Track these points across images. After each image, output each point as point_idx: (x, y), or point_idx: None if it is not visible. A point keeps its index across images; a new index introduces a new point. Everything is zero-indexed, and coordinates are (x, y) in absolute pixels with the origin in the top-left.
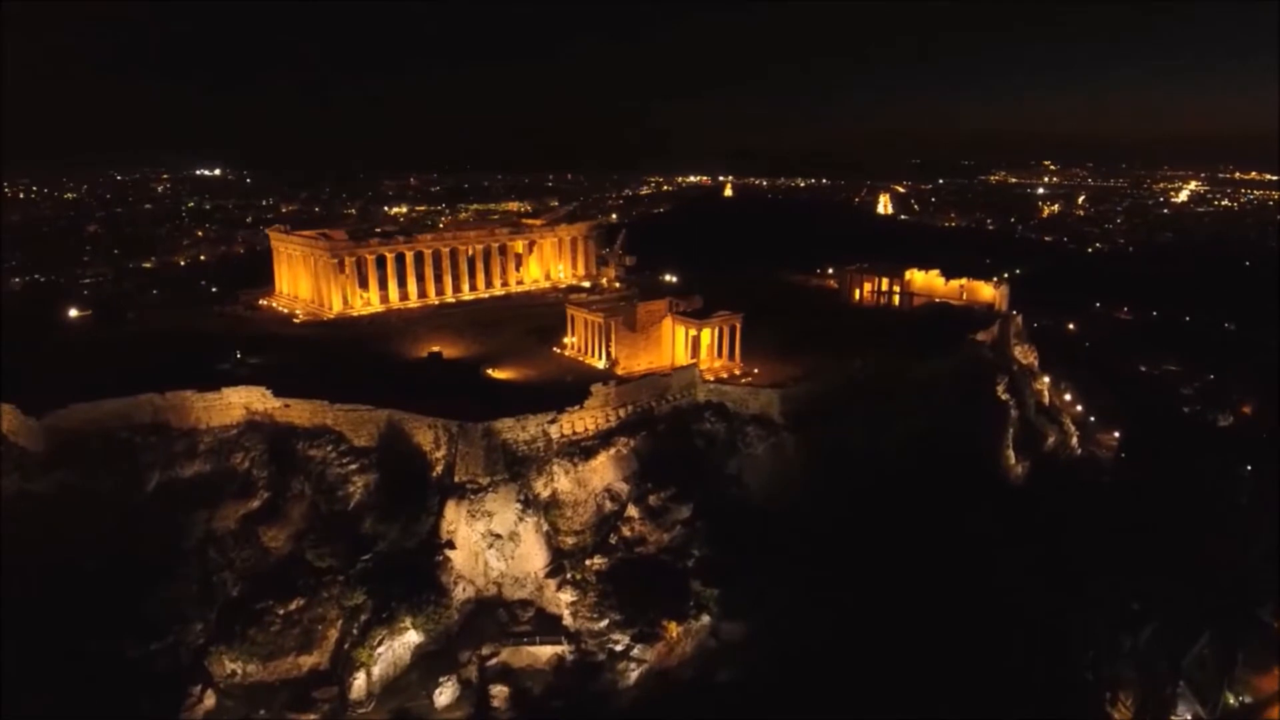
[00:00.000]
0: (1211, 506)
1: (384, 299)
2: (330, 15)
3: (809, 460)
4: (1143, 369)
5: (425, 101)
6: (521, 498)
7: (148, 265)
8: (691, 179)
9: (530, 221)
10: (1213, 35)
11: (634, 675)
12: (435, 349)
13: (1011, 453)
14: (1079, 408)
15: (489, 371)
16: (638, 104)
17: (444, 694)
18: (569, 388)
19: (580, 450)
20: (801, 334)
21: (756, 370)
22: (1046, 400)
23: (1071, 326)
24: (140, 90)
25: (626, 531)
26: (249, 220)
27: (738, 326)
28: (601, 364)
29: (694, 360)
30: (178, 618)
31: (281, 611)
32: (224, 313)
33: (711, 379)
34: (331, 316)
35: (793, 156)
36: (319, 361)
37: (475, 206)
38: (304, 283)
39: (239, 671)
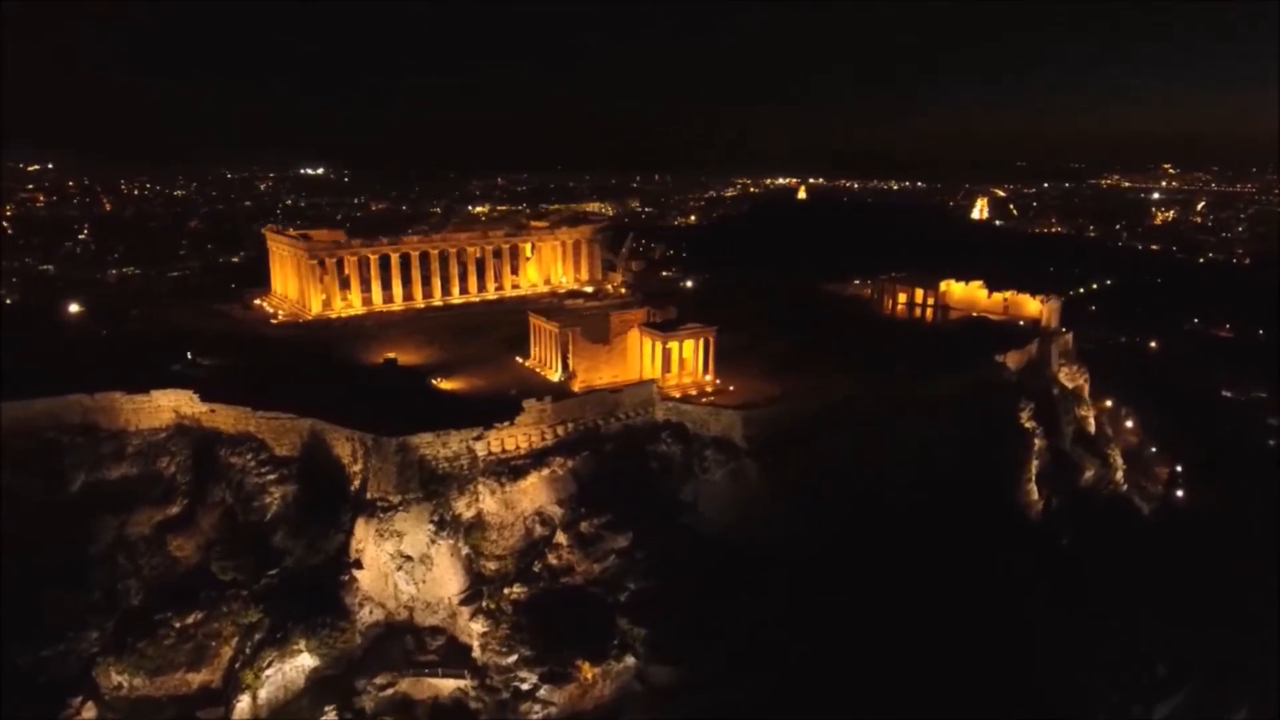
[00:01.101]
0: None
1: (366, 301)
2: (430, 19)
3: (777, 491)
4: (1226, 395)
5: (519, 103)
6: (436, 518)
7: (236, 260)
8: (780, 181)
9: (536, 224)
10: None
11: (538, 718)
12: (391, 355)
13: (1033, 487)
14: (1137, 438)
15: (436, 381)
16: (727, 105)
17: None
18: (513, 401)
19: (509, 470)
20: (806, 349)
21: (732, 388)
22: (1092, 428)
23: (1154, 345)
24: (251, 92)
25: (553, 559)
26: (339, 217)
27: (710, 340)
28: (556, 376)
29: (659, 376)
30: (77, 624)
31: (178, 624)
32: (219, 312)
33: (678, 395)
34: (309, 318)
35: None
36: (273, 365)
37: (556, 206)
38: (291, 284)
39: (125, 685)
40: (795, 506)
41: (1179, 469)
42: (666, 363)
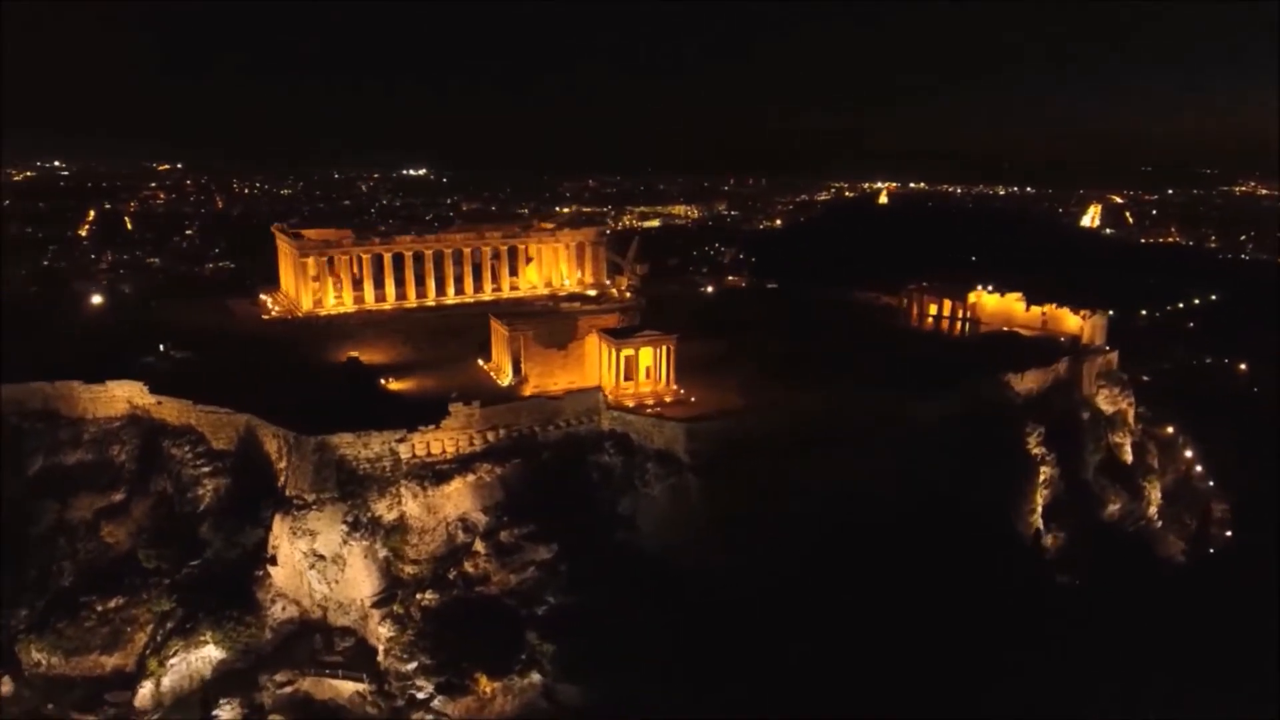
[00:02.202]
0: None
1: (358, 300)
2: (537, 21)
3: (721, 511)
4: None
5: (623, 106)
6: (350, 519)
7: None
8: (879, 185)
9: (543, 225)
10: None
11: None
12: (354, 354)
13: (1038, 519)
14: (1192, 470)
15: (386, 381)
16: (833, 106)
17: (222, 717)
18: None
19: (433, 474)
20: (797, 361)
21: (694, 399)
22: (1129, 457)
23: (1243, 368)
24: (364, 94)
25: (470, 567)
26: (429, 217)
27: (670, 348)
28: (506, 381)
29: (615, 384)
30: (11, 602)
31: (99, 608)
32: (226, 307)
33: (632, 404)
34: (300, 315)
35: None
36: (241, 360)
37: (641, 208)
38: (289, 281)
39: (44, 662)
40: (742, 529)
41: (1225, 507)
42: (629, 371)
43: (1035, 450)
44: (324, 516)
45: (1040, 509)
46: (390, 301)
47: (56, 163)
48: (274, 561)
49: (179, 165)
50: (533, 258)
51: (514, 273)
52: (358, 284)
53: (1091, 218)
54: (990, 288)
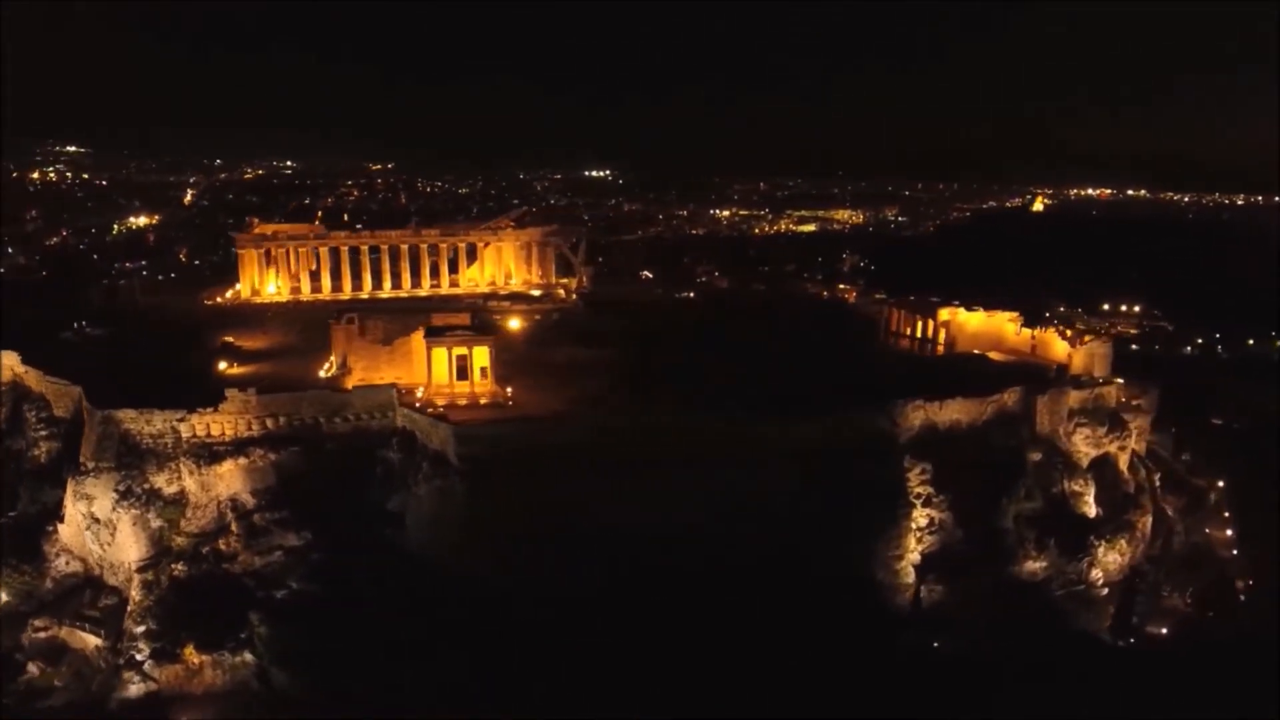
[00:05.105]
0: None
1: (295, 291)
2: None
3: (488, 520)
4: None
5: (817, 107)
6: (121, 488)
7: None
8: (1090, 191)
9: (496, 224)
10: None
11: (134, 690)
12: (229, 339)
13: (908, 568)
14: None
15: (225, 366)
16: (1035, 107)
17: None
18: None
19: (209, 454)
20: (674, 372)
21: (511, 402)
22: (1089, 510)
23: None
24: (557, 95)
25: (222, 545)
26: (584, 217)
27: (486, 349)
28: (326, 373)
29: (428, 382)
30: None
31: None
32: (196, 295)
33: (442, 404)
34: (239, 302)
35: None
36: (141, 339)
37: (802, 212)
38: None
39: None
40: (511, 540)
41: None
42: (463, 370)
43: (919, 490)
44: (100, 483)
45: (917, 558)
46: (327, 294)
47: (288, 161)
48: (61, 519)
49: (389, 165)
50: (478, 257)
51: (453, 270)
52: (314, 276)
53: None
54: (969, 306)
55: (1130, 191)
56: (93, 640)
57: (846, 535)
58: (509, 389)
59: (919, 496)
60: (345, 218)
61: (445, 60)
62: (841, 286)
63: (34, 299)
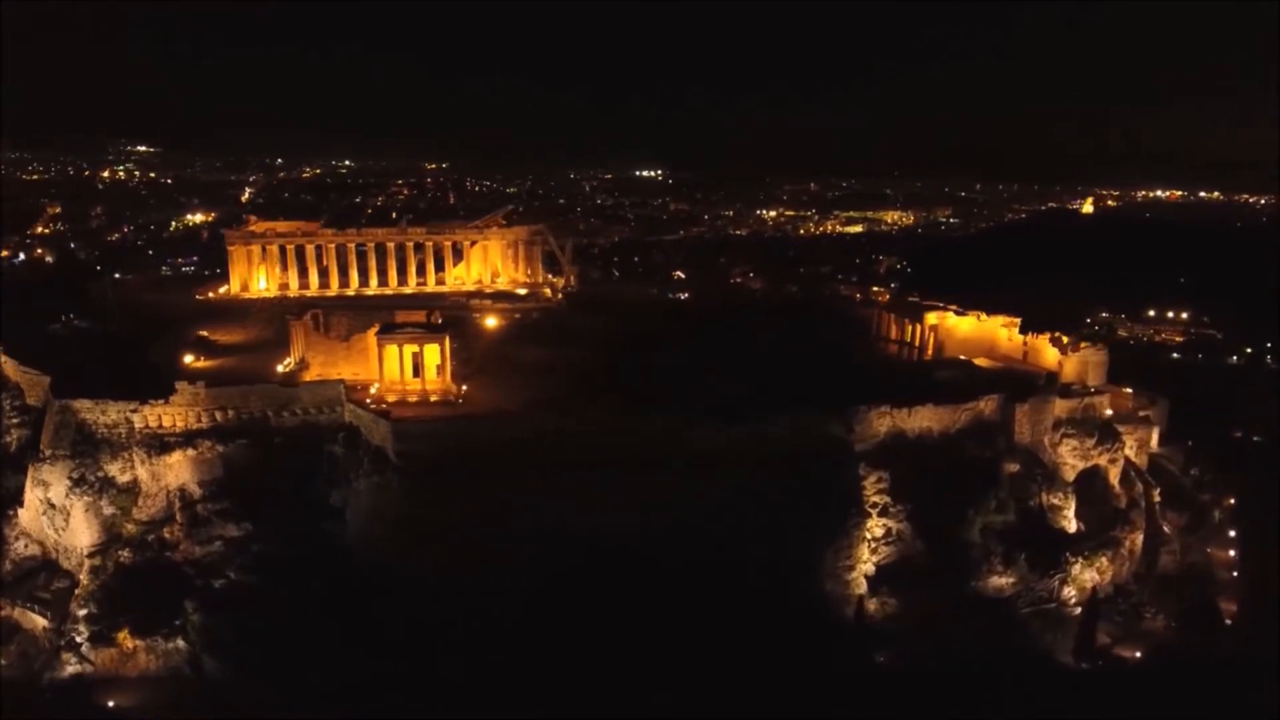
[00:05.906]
0: None
1: (283, 287)
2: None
3: (425, 517)
4: None
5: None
6: (75, 475)
7: None
8: (1159, 193)
9: (482, 223)
10: None
11: (70, 670)
12: (204, 333)
13: (858, 579)
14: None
15: (191, 359)
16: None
17: None
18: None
19: (160, 444)
20: (632, 373)
21: (461, 400)
22: (1068, 525)
23: None
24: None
25: (167, 534)
26: (629, 217)
27: (439, 347)
28: (283, 368)
29: (381, 378)
30: None
31: None
32: (193, 289)
33: (393, 400)
34: (229, 298)
35: None
36: (126, 332)
37: (850, 213)
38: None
39: None
40: (444, 536)
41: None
42: (415, 367)
43: (875, 499)
44: (56, 470)
45: (871, 569)
46: (313, 290)
47: (346, 160)
48: (22, 504)
49: (443, 165)
50: (464, 256)
51: (440, 269)
52: (303, 273)
53: None
54: (960, 309)
55: (1203, 194)
56: (41, 621)
57: (786, 544)
58: (464, 387)
59: (875, 506)
60: (394, 215)
61: (505, 62)
62: (875, 289)
63: (39, 294)
